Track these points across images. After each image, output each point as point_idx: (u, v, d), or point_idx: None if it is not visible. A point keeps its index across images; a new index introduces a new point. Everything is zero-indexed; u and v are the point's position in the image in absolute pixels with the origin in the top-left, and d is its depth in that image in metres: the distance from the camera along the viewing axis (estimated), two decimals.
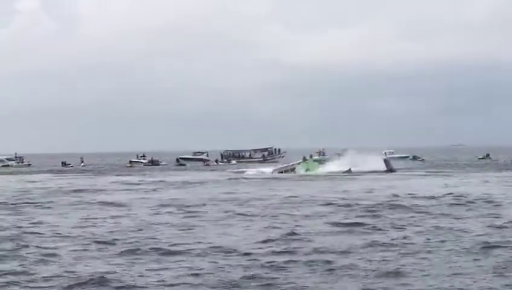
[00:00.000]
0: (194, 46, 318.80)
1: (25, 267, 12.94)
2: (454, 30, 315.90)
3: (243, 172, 55.71)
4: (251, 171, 55.79)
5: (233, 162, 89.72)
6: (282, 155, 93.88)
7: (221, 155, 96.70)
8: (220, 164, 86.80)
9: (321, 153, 57.94)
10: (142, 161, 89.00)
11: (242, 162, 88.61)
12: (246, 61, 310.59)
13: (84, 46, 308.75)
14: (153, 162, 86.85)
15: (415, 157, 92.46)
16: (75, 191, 35.33)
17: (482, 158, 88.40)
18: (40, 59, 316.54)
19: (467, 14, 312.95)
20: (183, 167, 77.32)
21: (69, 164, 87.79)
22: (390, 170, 51.62)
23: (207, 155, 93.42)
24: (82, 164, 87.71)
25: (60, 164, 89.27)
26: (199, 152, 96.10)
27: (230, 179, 46.31)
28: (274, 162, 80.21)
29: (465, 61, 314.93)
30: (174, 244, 15.47)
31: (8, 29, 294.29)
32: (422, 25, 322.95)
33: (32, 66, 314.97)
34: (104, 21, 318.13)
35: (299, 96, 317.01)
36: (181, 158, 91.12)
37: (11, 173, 64.13)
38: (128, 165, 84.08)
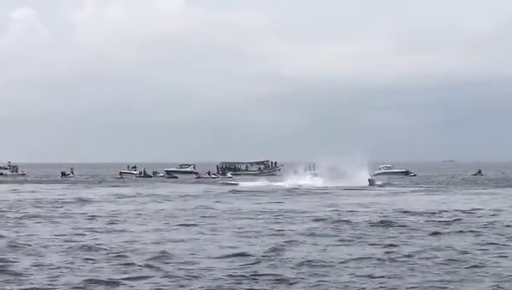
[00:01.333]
0: (190, 56, 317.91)
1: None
2: (451, 45, 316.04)
3: (236, 185, 55.91)
4: (245, 184, 56.06)
5: (229, 174, 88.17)
6: (278, 168, 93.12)
7: (217, 167, 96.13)
8: (213, 176, 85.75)
9: (311, 167, 59.11)
10: (133, 172, 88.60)
11: (238, 174, 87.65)
12: (242, 72, 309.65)
13: (78, 54, 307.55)
14: (145, 174, 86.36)
15: (407, 173, 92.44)
16: (61, 202, 35.17)
17: (474, 175, 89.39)
18: (33, 67, 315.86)
19: (463, 29, 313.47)
20: (173, 180, 76.92)
21: (69, 174, 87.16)
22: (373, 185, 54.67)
23: (194, 167, 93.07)
24: (71, 175, 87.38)
25: (60, 174, 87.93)
26: (186, 164, 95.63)
27: (220, 193, 45.82)
28: (270, 175, 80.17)
29: (460, 77, 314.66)
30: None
31: (3, 37, 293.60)
32: (418, 39, 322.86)
33: (25, 74, 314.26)
34: (99, 30, 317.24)
35: (295, 108, 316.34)
36: (171, 171, 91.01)
37: (6, 182, 63.96)
38: (119, 176, 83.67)
